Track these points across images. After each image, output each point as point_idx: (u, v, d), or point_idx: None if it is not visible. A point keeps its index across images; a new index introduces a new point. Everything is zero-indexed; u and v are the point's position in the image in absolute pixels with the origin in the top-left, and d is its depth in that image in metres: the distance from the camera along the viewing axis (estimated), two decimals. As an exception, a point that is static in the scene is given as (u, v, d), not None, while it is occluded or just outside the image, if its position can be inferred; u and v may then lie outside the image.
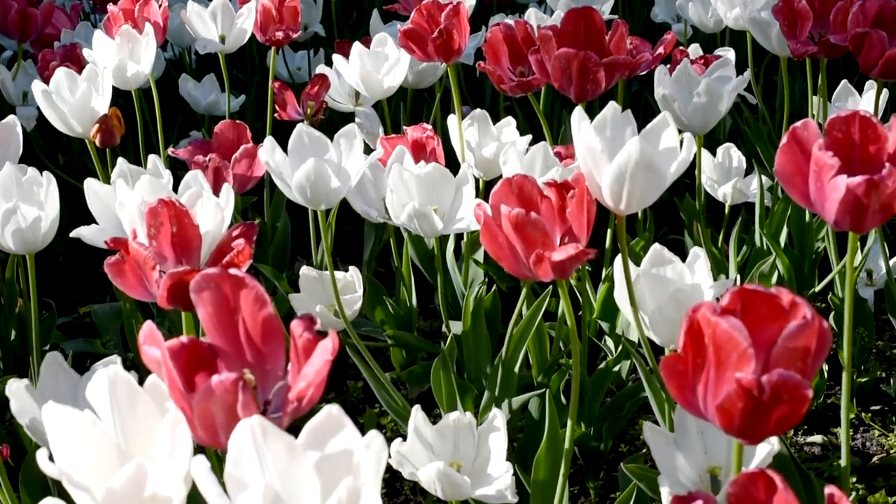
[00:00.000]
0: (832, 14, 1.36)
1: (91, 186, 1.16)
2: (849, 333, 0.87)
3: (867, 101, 1.58)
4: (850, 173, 0.77)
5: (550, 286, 1.25)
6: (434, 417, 0.99)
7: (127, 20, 1.67)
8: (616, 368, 1.29)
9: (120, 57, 1.55)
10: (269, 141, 1.15)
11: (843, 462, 0.93)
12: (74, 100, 1.42)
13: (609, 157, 0.89)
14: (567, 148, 1.34)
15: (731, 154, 1.61)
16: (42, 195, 1.16)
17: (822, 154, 0.77)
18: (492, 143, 1.41)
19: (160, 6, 1.69)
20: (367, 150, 1.32)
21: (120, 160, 1.24)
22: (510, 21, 1.44)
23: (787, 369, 0.61)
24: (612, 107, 0.95)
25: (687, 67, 1.39)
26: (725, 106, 1.37)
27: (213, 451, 0.79)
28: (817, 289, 1.52)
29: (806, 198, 0.81)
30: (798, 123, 0.79)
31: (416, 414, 0.96)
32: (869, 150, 0.79)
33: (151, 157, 1.24)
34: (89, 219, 1.17)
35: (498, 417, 0.97)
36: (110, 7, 1.71)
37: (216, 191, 1.02)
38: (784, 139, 0.79)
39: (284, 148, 1.16)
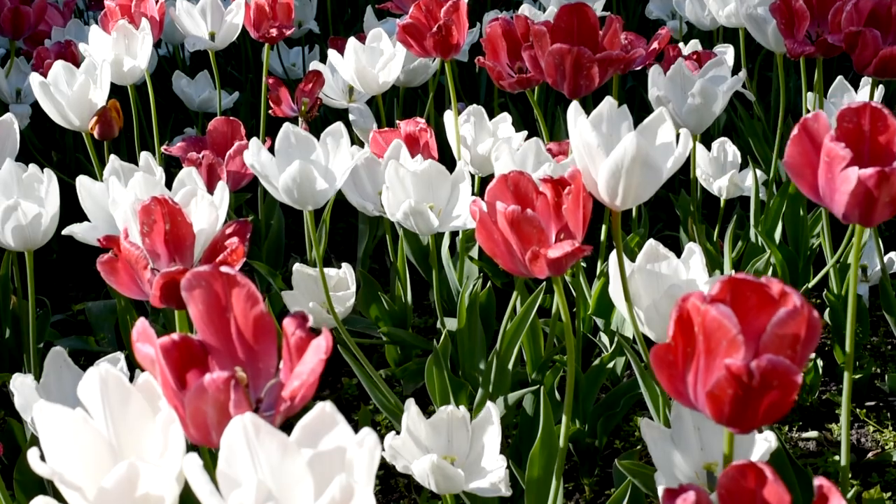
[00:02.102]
0: (830, 14, 1.36)
1: (83, 184, 1.16)
2: (852, 330, 0.86)
3: (862, 97, 1.58)
4: (860, 165, 0.76)
5: (544, 282, 1.25)
6: (429, 414, 0.98)
7: (123, 15, 1.66)
8: (611, 365, 1.29)
9: (116, 52, 1.55)
10: (254, 143, 1.15)
11: (842, 461, 0.93)
12: (72, 92, 1.41)
13: (605, 152, 0.89)
14: (560, 145, 1.34)
15: (726, 148, 1.61)
16: (42, 192, 1.16)
17: (834, 145, 0.76)
18: (488, 139, 1.40)
19: (157, 2, 1.69)
20: (362, 146, 1.31)
21: (112, 157, 1.23)
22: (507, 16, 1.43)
23: (776, 356, 0.61)
24: (608, 102, 0.95)
25: (681, 67, 1.39)
26: (720, 107, 1.37)
27: (207, 450, 0.79)
28: (811, 284, 1.52)
29: (815, 190, 0.80)
30: (809, 115, 0.79)
31: (410, 408, 0.96)
32: (879, 141, 0.79)
33: (144, 154, 1.23)
34: (83, 216, 1.17)
35: (492, 411, 0.97)
36: (107, 2, 1.70)
37: (210, 188, 1.02)
38: (795, 131, 0.79)
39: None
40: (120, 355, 0.93)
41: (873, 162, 0.77)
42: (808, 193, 0.81)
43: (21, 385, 0.96)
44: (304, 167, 1.10)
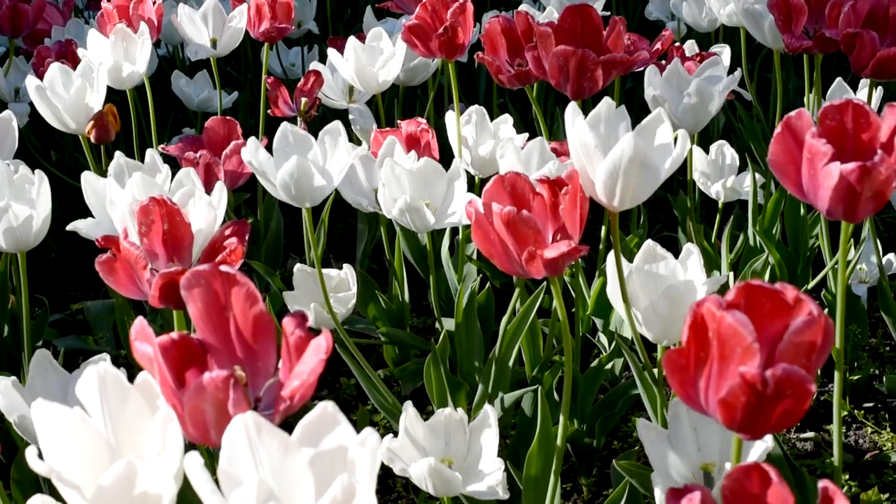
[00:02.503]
0: (827, 9, 1.36)
1: (88, 180, 1.16)
2: (841, 327, 0.87)
3: (861, 98, 1.58)
4: (843, 161, 0.77)
5: (544, 282, 1.25)
6: (427, 414, 0.98)
7: (121, 18, 1.66)
8: (609, 365, 1.29)
9: (115, 57, 1.54)
10: (252, 141, 1.15)
11: (835, 461, 0.93)
12: (69, 96, 1.41)
13: (603, 153, 0.89)
14: (562, 144, 1.34)
15: (724, 151, 1.61)
16: (34, 193, 1.16)
17: (816, 141, 0.77)
18: (489, 140, 1.40)
19: (154, 3, 1.68)
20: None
21: (117, 154, 1.23)
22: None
23: (791, 365, 0.61)
24: (606, 102, 0.95)
25: (677, 67, 1.39)
26: (716, 106, 1.37)
27: (204, 448, 0.79)
28: (810, 285, 1.52)
29: (799, 187, 0.80)
30: (792, 113, 0.79)
31: (408, 410, 0.96)
32: (862, 138, 0.79)
33: (149, 152, 1.23)
34: (81, 215, 1.17)
35: (489, 414, 0.97)
36: (104, 4, 1.70)
37: (208, 187, 1.02)
38: (778, 128, 0.79)
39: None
40: (106, 355, 0.93)
41: (856, 158, 0.78)
42: (792, 191, 0.81)
43: (4, 388, 0.96)
44: (301, 163, 1.10)
